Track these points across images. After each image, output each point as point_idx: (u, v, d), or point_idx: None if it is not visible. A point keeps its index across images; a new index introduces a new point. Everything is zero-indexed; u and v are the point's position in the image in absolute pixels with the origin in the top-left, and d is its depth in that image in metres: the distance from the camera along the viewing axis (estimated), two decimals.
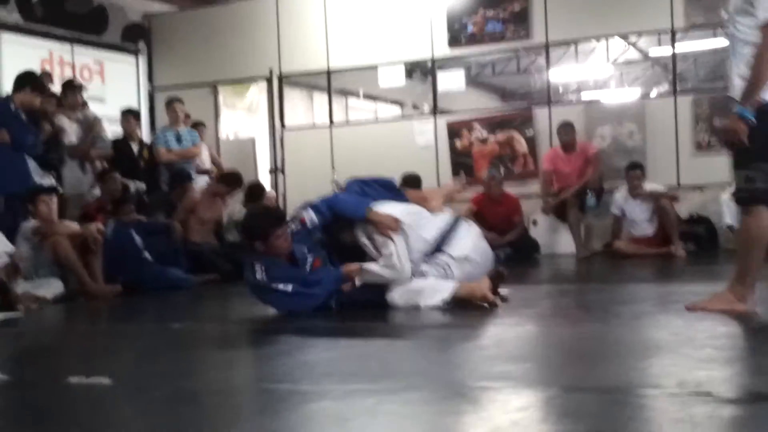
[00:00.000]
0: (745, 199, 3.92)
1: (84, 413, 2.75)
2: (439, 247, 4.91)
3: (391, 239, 4.75)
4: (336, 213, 4.91)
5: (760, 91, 3.78)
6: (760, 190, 3.84)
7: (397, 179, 6.14)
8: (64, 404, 2.86)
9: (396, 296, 4.73)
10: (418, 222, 4.96)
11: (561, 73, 13.28)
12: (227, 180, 8.57)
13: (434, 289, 4.71)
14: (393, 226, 4.81)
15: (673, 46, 9.64)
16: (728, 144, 3.93)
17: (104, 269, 6.79)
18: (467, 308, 4.58)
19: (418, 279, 4.78)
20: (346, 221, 4.92)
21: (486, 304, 4.59)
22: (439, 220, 5.05)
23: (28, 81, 7.42)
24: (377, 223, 4.82)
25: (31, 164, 7.37)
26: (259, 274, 4.70)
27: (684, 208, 8.78)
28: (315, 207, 4.93)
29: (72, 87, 8.54)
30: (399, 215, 4.89)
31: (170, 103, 9.35)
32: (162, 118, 10.14)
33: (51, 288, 6.40)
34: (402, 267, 4.71)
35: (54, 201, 6.88)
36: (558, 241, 9.14)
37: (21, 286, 6.22)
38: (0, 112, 7.26)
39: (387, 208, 4.97)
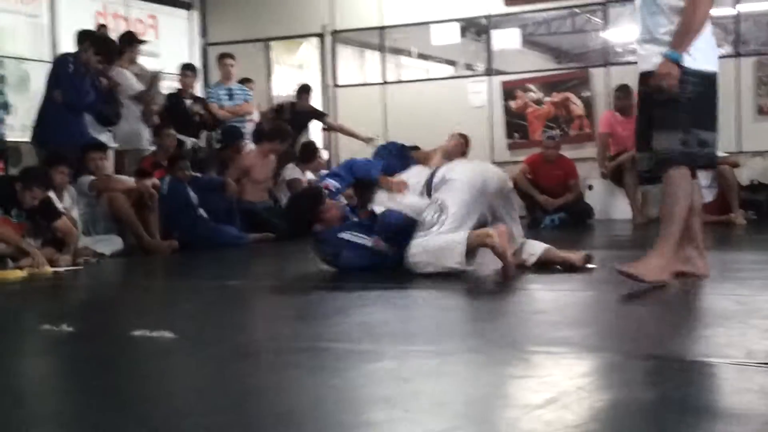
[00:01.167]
0: (672, 161, 3.85)
1: (148, 365, 2.80)
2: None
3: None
4: (354, 174, 5.05)
5: (694, 37, 3.71)
6: (689, 154, 3.82)
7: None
8: (128, 356, 2.91)
9: (416, 260, 4.57)
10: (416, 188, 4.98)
11: (619, 33, 13.00)
12: (278, 135, 8.52)
13: (450, 247, 4.50)
14: (401, 188, 4.91)
15: (736, 6, 9.38)
16: (658, 90, 3.78)
17: (160, 225, 6.87)
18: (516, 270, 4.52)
19: (431, 236, 4.58)
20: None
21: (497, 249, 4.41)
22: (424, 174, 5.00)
23: (91, 42, 7.48)
24: (388, 186, 4.93)
25: (89, 120, 7.46)
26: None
27: (744, 174, 8.59)
28: (333, 173, 5.19)
29: (132, 41, 8.55)
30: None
31: (222, 59, 9.36)
32: (215, 74, 10.15)
33: (110, 244, 6.50)
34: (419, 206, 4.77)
35: (108, 157, 6.95)
36: (614, 206, 9.02)
37: (81, 241, 6.32)
38: (57, 72, 7.36)
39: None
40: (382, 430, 1.98)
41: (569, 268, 4.65)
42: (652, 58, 3.81)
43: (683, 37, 3.69)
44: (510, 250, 4.47)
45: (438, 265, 4.50)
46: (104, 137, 7.66)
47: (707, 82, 3.82)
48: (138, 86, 8.27)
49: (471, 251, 4.49)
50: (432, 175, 4.86)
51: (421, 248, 4.55)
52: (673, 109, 3.78)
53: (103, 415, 2.17)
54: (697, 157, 3.85)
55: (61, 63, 7.48)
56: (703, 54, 3.77)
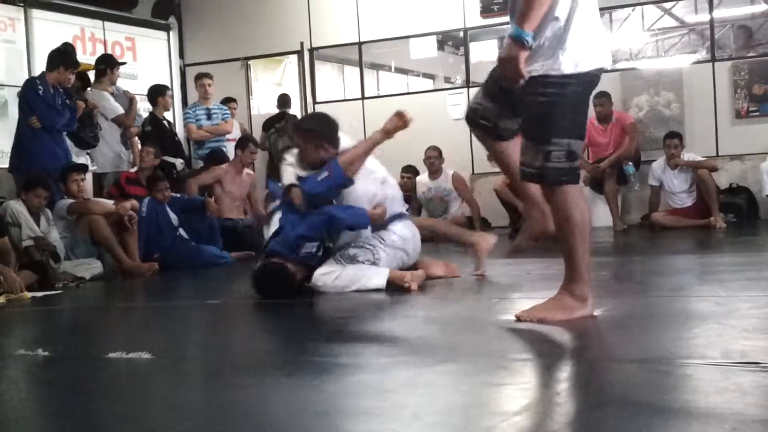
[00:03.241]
0: (542, 177, 3.26)
1: (125, 386, 2.77)
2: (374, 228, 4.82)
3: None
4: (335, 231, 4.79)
5: (541, 11, 3.09)
6: (561, 169, 3.21)
7: None
8: (105, 378, 2.88)
9: (328, 282, 4.59)
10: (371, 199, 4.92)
11: None
12: (239, 144, 8.51)
13: (368, 277, 4.59)
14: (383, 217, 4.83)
15: (711, 13, 9.46)
16: (507, 79, 3.17)
17: (140, 247, 6.83)
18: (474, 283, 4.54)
19: (352, 266, 4.63)
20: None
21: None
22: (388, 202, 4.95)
23: (61, 59, 7.46)
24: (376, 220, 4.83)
25: (68, 143, 7.45)
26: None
27: (723, 178, 8.64)
28: (307, 236, 4.68)
29: (111, 63, 8.53)
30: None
31: (199, 79, 9.34)
32: (194, 94, 10.14)
33: (89, 267, 6.45)
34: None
35: (86, 179, 6.91)
36: (594, 213, 8.97)
37: (60, 266, 6.28)
38: (26, 96, 7.33)
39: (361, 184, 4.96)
40: None
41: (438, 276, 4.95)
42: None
43: (527, 11, 3.07)
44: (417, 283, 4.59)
45: (342, 288, 4.57)
46: (82, 159, 7.63)
47: (583, 84, 3.24)
48: (118, 108, 8.26)
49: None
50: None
51: (334, 276, 4.59)
52: (536, 119, 3.25)
53: None
54: (564, 171, 3.23)
55: (29, 86, 7.44)
56: (582, 52, 3.18)
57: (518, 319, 3.32)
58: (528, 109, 3.27)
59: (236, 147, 8.53)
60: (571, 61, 3.15)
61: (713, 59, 9.33)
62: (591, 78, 3.25)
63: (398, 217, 4.98)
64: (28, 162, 7.18)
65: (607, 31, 13.00)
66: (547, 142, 3.20)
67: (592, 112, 9.03)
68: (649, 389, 2.25)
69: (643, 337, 2.99)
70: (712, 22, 9.58)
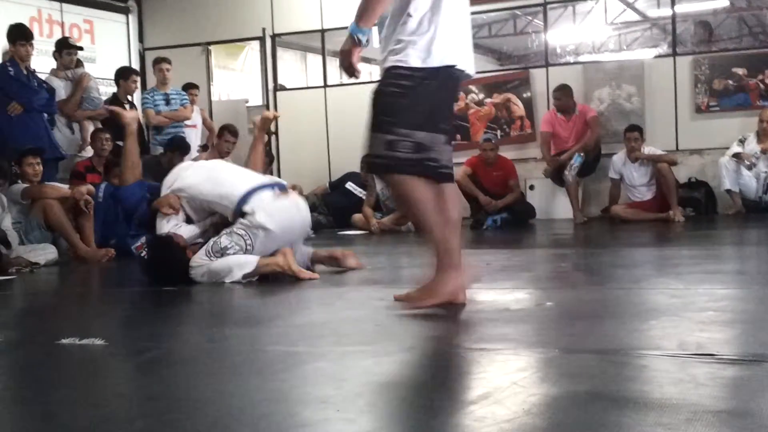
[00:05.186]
0: (386, 166, 3.31)
1: (77, 373, 2.72)
2: (242, 210, 4.69)
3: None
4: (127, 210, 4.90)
5: (379, 9, 3.23)
6: (403, 159, 3.26)
7: None
8: (57, 364, 2.83)
9: (198, 274, 4.58)
10: (217, 179, 4.88)
11: (558, 35, 13.15)
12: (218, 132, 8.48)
13: (238, 265, 4.53)
14: (174, 204, 4.81)
15: (673, 7, 9.53)
16: (347, 70, 3.34)
17: (96, 233, 6.73)
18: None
19: (221, 259, 4.58)
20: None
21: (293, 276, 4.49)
22: (243, 181, 4.81)
23: (13, 35, 7.45)
24: (161, 208, 4.83)
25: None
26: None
27: (682, 172, 8.73)
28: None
29: (67, 45, 8.42)
30: (193, 178, 4.89)
31: (157, 64, 9.22)
32: (153, 79, 10.02)
33: (44, 253, 6.33)
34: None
35: (39, 163, 6.81)
36: (555, 205, 9.09)
37: (14, 251, 6.17)
38: (2, 80, 7.29)
39: (189, 172, 4.98)
40: (316, 430, 1.94)
41: (336, 263, 4.87)
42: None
43: (364, 8, 3.22)
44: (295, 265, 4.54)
45: (215, 279, 4.55)
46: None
47: (436, 79, 3.27)
48: (63, 94, 8.15)
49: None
50: (243, 201, 4.69)
51: (201, 272, 4.57)
52: (381, 109, 3.29)
53: (28, 423, 2.11)
54: (408, 162, 3.26)
55: (0, 71, 7.39)
56: (435, 47, 3.25)
57: (396, 299, 3.47)
58: (376, 99, 3.32)
59: (217, 135, 8.59)
60: (420, 56, 3.25)
61: (674, 54, 9.41)
62: (446, 74, 3.30)
63: (259, 188, 4.71)
64: (9, 145, 7.10)
65: (571, 24, 13.08)
66: (390, 131, 3.25)
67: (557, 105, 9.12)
68: (606, 380, 2.25)
69: (600, 329, 3.00)
70: (674, 16, 9.66)
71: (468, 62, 3.41)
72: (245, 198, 4.63)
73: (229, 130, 8.51)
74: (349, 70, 3.31)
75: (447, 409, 2.05)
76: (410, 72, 3.24)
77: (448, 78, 3.32)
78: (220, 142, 8.31)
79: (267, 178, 4.99)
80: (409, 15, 3.25)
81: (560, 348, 2.67)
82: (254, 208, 4.59)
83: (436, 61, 3.26)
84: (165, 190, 4.94)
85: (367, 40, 3.25)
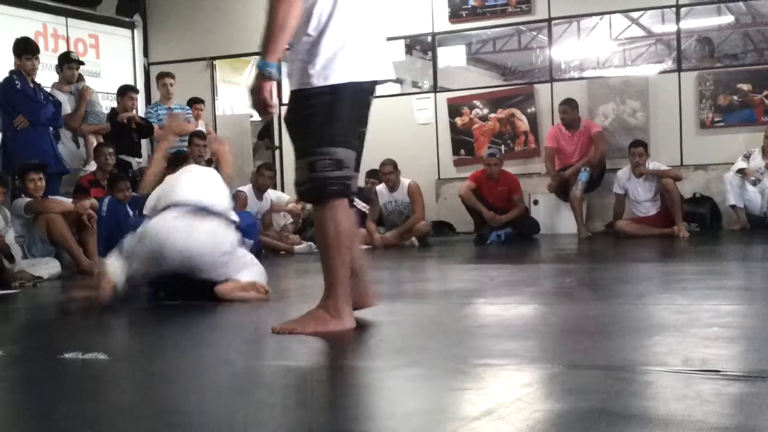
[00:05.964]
0: (313, 189, 3.26)
1: (81, 387, 2.71)
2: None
3: None
4: None
5: (281, 40, 3.16)
6: (325, 178, 3.21)
7: None
8: (60, 379, 2.82)
9: None
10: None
11: (563, 50, 13.15)
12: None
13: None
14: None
15: (678, 23, 9.54)
16: (258, 108, 3.28)
17: (99, 247, 6.72)
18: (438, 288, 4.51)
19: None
20: None
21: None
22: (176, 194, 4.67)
23: (18, 49, 7.50)
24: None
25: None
26: None
27: (687, 187, 8.71)
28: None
29: (69, 60, 8.46)
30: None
31: (161, 78, 9.24)
32: (158, 94, 10.03)
33: (47, 267, 6.34)
34: None
35: (42, 178, 6.81)
36: (559, 220, 9.08)
37: (17, 265, 6.17)
38: (8, 92, 7.32)
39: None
40: None
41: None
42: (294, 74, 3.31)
43: (267, 42, 3.17)
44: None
45: None
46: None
47: (339, 95, 3.22)
48: (67, 108, 8.17)
49: None
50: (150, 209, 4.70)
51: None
52: (298, 133, 3.30)
53: None
54: (330, 181, 3.22)
55: (6, 83, 7.47)
56: (335, 64, 3.21)
57: (274, 331, 3.30)
58: (290, 125, 3.33)
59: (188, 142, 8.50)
60: (321, 74, 3.22)
61: (679, 69, 9.41)
62: (352, 90, 3.25)
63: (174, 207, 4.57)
64: (16, 159, 7.12)
65: (575, 39, 13.06)
66: (310, 153, 3.22)
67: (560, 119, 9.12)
68: (611, 396, 2.24)
69: (605, 344, 2.99)
70: (678, 32, 9.66)
71: (377, 70, 3.36)
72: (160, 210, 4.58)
73: (196, 135, 8.46)
74: (263, 107, 3.25)
75: (451, 425, 2.04)
76: (312, 92, 3.21)
77: (354, 93, 3.27)
78: (191, 147, 8.27)
79: (195, 199, 4.64)
80: (308, 35, 3.22)
81: (565, 364, 2.65)
82: (150, 223, 4.54)
83: (338, 78, 3.22)
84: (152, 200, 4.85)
85: (276, 73, 3.20)
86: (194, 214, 4.50)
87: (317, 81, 3.20)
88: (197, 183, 4.77)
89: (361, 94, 3.31)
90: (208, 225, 4.49)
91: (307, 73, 3.21)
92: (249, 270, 4.55)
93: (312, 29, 3.22)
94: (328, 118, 3.21)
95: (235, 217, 4.73)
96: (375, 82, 3.36)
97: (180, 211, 4.51)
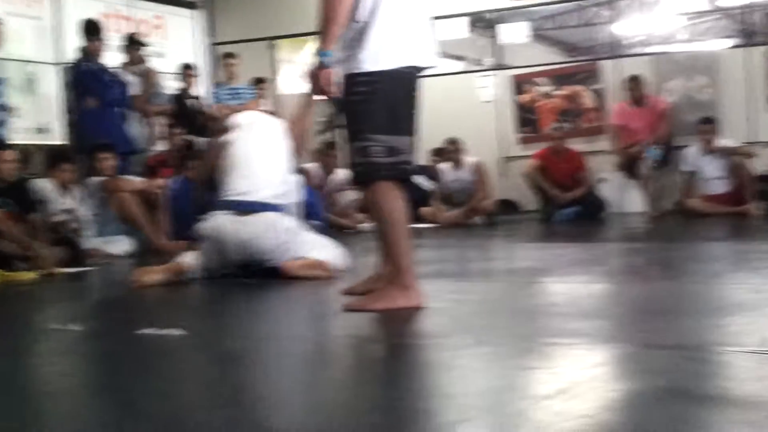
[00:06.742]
0: (363, 173, 3.33)
1: (156, 363, 2.77)
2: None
3: None
4: None
5: (335, 29, 3.24)
6: (377, 163, 3.28)
7: None
8: (136, 354, 2.89)
9: None
10: None
11: (627, 26, 12.94)
12: None
13: None
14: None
15: None
16: (319, 94, 3.39)
17: (170, 225, 6.85)
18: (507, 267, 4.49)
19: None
20: None
21: None
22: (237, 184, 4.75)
23: (84, 31, 7.58)
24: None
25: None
26: None
27: (759, 164, 8.50)
28: None
29: (133, 41, 8.59)
30: None
31: (224, 59, 9.36)
32: (222, 74, 10.14)
33: (120, 245, 6.50)
34: None
35: (114, 157, 6.95)
36: (626, 199, 8.95)
37: (91, 243, 6.33)
38: (76, 75, 7.46)
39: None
40: (398, 421, 1.95)
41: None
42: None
43: (322, 31, 3.27)
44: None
45: None
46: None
47: (392, 81, 3.29)
48: (134, 91, 8.30)
49: None
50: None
51: None
52: (349, 118, 3.36)
53: (110, 413, 2.16)
54: (382, 166, 3.28)
55: (75, 66, 7.61)
56: (385, 50, 3.27)
57: (345, 308, 3.35)
58: (344, 110, 3.37)
59: None
60: (371, 59, 3.26)
61: (747, 44, 9.18)
62: (402, 75, 3.31)
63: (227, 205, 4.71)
64: (86, 140, 7.27)
65: (639, 14, 12.84)
66: (363, 138, 3.28)
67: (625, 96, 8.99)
68: (685, 376, 2.21)
69: (677, 324, 2.95)
70: (746, 6, 9.43)
71: (424, 56, 3.40)
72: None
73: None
74: (321, 93, 3.35)
75: (523, 403, 2.04)
76: (364, 78, 3.27)
77: (402, 78, 3.33)
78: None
79: (245, 194, 4.70)
80: (356, 22, 3.27)
81: (637, 343, 2.63)
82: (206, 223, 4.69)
83: (387, 64, 3.27)
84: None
85: (333, 60, 3.28)
86: (245, 212, 4.60)
87: (367, 66, 3.27)
88: (252, 162, 4.77)
89: (409, 79, 3.37)
90: (261, 216, 4.57)
91: (357, 59, 3.27)
92: (321, 250, 4.62)
93: (361, 16, 3.27)
94: (379, 104, 3.27)
95: (291, 198, 4.77)
96: (421, 68, 3.40)
97: (230, 210, 4.63)
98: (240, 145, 4.82)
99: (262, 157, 4.78)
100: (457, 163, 8.71)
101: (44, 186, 6.41)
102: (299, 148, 5.00)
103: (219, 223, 4.60)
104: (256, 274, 4.57)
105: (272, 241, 4.53)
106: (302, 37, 11.52)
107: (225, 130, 5.08)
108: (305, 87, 4.91)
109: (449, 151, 8.68)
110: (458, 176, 8.72)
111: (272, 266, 4.54)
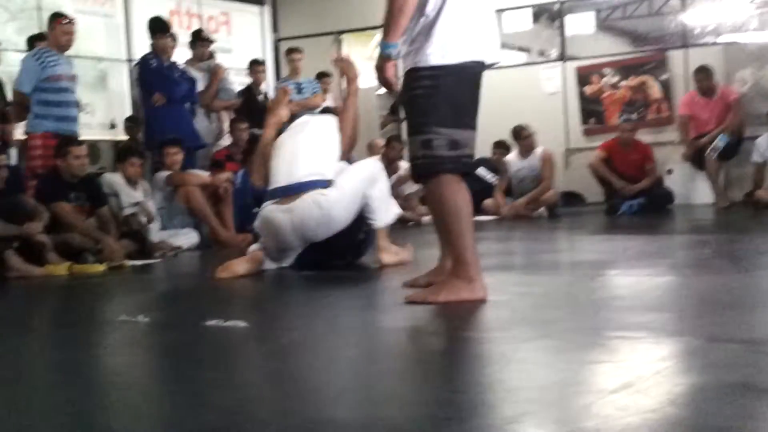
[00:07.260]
0: (425, 166, 3.32)
1: (222, 354, 2.81)
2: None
3: None
4: None
5: (401, 22, 3.23)
6: (440, 157, 3.27)
7: None
8: (203, 345, 2.93)
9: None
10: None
11: (697, 14, 12.66)
12: None
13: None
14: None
15: None
16: (384, 86, 3.42)
17: (235, 218, 6.94)
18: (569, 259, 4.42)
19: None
20: None
21: None
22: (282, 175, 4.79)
23: (152, 28, 7.71)
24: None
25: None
26: None
27: None
28: None
29: (200, 38, 8.71)
30: None
31: (289, 54, 9.42)
32: (287, 69, 10.22)
33: (186, 238, 6.61)
34: None
35: (181, 152, 7.06)
36: (694, 190, 8.78)
37: (158, 235, 6.45)
38: (143, 72, 7.58)
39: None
40: (458, 414, 1.94)
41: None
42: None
43: (388, 24, 3.26)
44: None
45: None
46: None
47: (457, 75, 3.29)
48: (200, 85, 8.40)
49: None
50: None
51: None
52: (412, 111, 3.36)
53: (178, 402, 2.19)
54: (445, 160, 3.28)
55: (143, 63, 7.73)
56: (451, 44, 3.26)
57: (407, 300, 3.35)
58: (407, 103, 3.38)
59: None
60: (437, 53, 3.26)
61: None
62: (468, 70, 3.31)
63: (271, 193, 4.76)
64: (156, 135, 7.40)
65: (709, 2, 12.56)
66: (425, 131, 3.28)
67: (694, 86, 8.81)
68: (755, 371, 2.17)
69: (747, 317, 2.89)
70: None
71: (489, 52, 3.41)
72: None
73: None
74: (387, 84, 3.38)
75: (588, 398, 2.02)
76: (430, 71, 3.28)
77: (467, 73, 3.33)
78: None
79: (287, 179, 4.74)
80: (425, 16, 3.27)
81: (705, 337, 2.59)
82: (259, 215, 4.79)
83: (453, 58, 3.27)
84: None
85: (398, 53, 3.31)
86: (288, 197, 4.63)
87: (433, 60, 3.27)
88: (297, 155, 4.79)
89: (474, 74, 3.37)
90: (303, 198, 4.57)
91: (423, 53, 3.28)
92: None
93: (429, 10, 3.28)
94: (443, 98, 3.28)
95: (330, 174, 4.71)
96: (486, 63, 3.40)
97: (275, 200, 4.68)
98: (287, 143, 4.88)
99: (307, 149, 4.82)
100: (528, 150, 8.63)
101: (115, 180, 6.54)
102: (349, 142, 5.01)
103: (269, 214, 4.66)
104: (318, 266, 4.60)
105: (320, 217, 4.56)
106: (368, 31, 11.57)
107: (280, 125, 5.14)
108: (348, 80, 5.02)
109: (525, 136, 8.59)
110: (525, 164, 8.64)
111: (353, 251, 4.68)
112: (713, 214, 7.66)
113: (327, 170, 4.68)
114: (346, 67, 5.00)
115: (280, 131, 5.09)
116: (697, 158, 8.58)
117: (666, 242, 5.82)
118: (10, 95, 7.07)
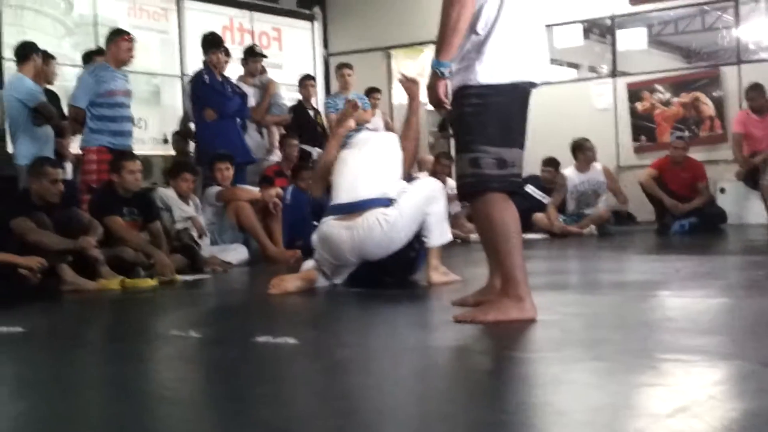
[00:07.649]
0: (473, 185, 3.31)
1: (271, 370, 2.82)
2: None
3: None
4: None
5: (454, 41, 3.22)
6: (487, 175, 3.26)
7: None
8: (252, 361, 2.94)
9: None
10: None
11: (751, 30, 12.49)
12: None
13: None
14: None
15: None
16: (433, 104, 3.39)
17: (284, 234, 6.99)
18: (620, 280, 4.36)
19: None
20: None
21: None
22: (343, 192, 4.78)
23: (206, 44, 7.81)
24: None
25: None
26: None
27: None
28: None
29: (253, 53, 8.81)
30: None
31: (339, 69, 9.48)
32: (336, 84, 10.29)
33: (236, 253, 6.66)
34: None
35: (232, 167, 7.12)
36: (748, 209, 8.64)
37: (208, 250, 6.51)
38: (196, 87, 7.68)
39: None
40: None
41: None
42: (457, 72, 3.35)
43: (441, 42, 3.25)
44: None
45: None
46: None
47: (506, 94, 3.29)
48: (252, 103, 8.48)
49: None
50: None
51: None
52: (460, 129, 3.36)
53: (225, 419, 2.20)
54: (492, 178, 3.27)
55: (196, 78, 7.83)
56: (502, 63, 3.26)
57: (456, 320, 3.33)
58: (455, 121, 3.37)
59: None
60: (487, 72, 3.26)
61: None
62: (517, 89, 3.31)
63: (331, 210, 4.75)
64: (207, 150, 7.50)
65: (764, 18, 12.38)
66: (473, 150, 3.28)
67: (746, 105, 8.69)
68: None
69: None
70: None
71: (539, 72, 3.40)
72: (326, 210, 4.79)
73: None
74: (438, 103, 3.36)
75: (641, 422, 1.99)
76: (479, 90, 3.27)
77: (516, 92, 3.33)
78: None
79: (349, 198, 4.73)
80: (476, 34, 3.26)
81: (760, 361, 2.54)
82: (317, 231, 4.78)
83: (503, 78, 3.27)
84: None
85: (450, 72, 3.29)
86: (350, 214, 4.62)
87: (483, 79, 3.27)
88: (360, 172, 4.80)
89: (523, 93, 3.37)
90: (366, 216, 4.57)
91: (473, 71, 3.28)
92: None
93: (480, 28, 3.27)
94: (491, 116, 3.28)
95: (392, 193, 4.71)
96: (535, 83, 3.39)
97: (337, 216, 4.67)
98: (350, 159, 4.87)
99: (370, 167, 4.81)
100: (587, 164, 8.54)
101: (167, 194, 6.63)
102: (411, 160, 5.02)
103: (329, 230, 4.65)
104: (367, 284, 4.61)
105: (381, 237, 4.56)
106: (417, 46, 11.62)
107: (340, 142, 5.16)
108: (411, 98, 5.03)
109: (588, 147, 8.50)
110: (586, 179, 8.53)
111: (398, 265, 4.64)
112: (767, 235, 7.52)
113: (390, 189, 4.67)
114: (410, 87, 5.03)
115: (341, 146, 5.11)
116: (750, 177, 8.44)
117: (718, 263, 5.73)
118: (66, 110, 7.20)
